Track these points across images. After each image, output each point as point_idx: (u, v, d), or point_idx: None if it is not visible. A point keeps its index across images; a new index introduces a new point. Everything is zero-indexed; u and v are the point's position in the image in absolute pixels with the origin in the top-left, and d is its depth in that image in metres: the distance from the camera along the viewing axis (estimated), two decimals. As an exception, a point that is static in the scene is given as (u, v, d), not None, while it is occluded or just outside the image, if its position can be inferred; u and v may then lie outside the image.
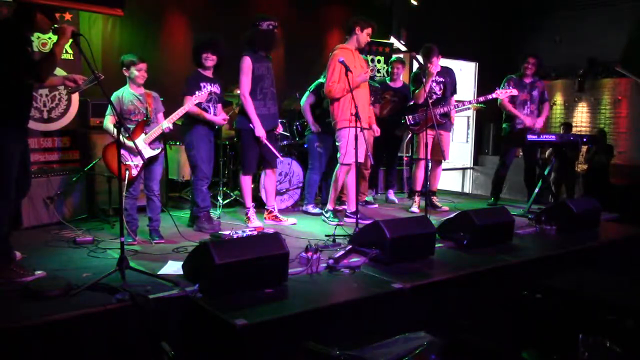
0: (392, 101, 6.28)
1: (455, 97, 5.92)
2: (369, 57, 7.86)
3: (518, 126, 6.08)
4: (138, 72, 4.22)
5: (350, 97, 4.67)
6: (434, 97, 5.73)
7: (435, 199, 6.05)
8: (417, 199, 5.89)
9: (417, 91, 5.69)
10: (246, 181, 4.96)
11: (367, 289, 3.32)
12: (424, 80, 5.50)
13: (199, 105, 4.58)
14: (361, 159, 4.97)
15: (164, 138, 4.50)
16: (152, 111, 4.31)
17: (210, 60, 4.68)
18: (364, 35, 4.98)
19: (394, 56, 6.37)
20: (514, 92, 5.84)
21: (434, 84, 5.72)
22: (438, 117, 5.62)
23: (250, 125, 4.78)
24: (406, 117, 5.92)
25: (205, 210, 4.76)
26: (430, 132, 5.44)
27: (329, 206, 5.18)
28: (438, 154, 5.73)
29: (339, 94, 4.88)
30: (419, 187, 5.90)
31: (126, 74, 4.25)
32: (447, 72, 5.84)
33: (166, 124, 4.27)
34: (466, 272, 3.73)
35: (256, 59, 4.80)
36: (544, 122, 6.22)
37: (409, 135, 6.38)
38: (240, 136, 4.98)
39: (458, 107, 5.93)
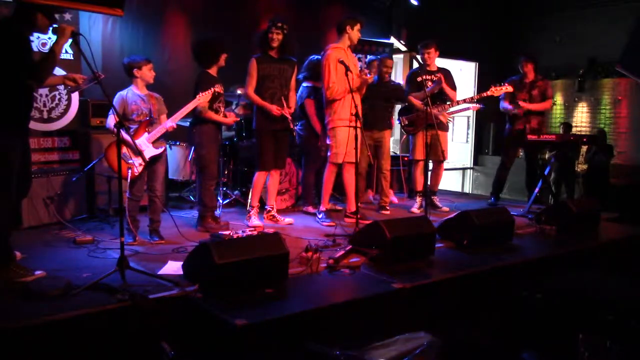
0: None
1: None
2: (369, 57, 7.87)
3: (517, 127, 6.08)
4: (149, 72, 4.27)
5: (349, 97, 4.76)
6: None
7: (436, 199, 6.05)
8: (418, 199, 5.89)
9: (414, 93, 5.72)
10: (260, 178, 4.97)
11: (367, 289, 3.32)
12: (420, 80, 5.49)
13: (210, 107, 4.60)
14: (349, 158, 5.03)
15: (165, 138, 4.50)
16: (155, 112, 4.32)
17: (225, 60, 4.74)
18: (355, 32, 5.00)
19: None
20: (509, 88, 5.81)
21: (430, 82, 5.74)
22: (434, 117, 5.62)
23: (262, 112, 4.82)
24: (400, 118, 5.93)
25: (212, 209, 4.79)
26: (428, 132, 5.39)
27: (322, 207, 5.18)
28: (437, 154, 5.74)
29: (340, 95, 4.90)
30: (419, 188, 5.90)
31: (137, 74, 4.24)
32: (444, 72, 5.85)
33: (170, 123, 4.28)
34: (466, 272, 3.73)
35: (263, 60, 4.84)
36: (542, 122, 6.17)
37: (404, 136, 6.40)
38: (255, 135, 5.01)
39: (455, 105, 5.90)
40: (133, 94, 4.27)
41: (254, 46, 4.97)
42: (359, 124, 4.56)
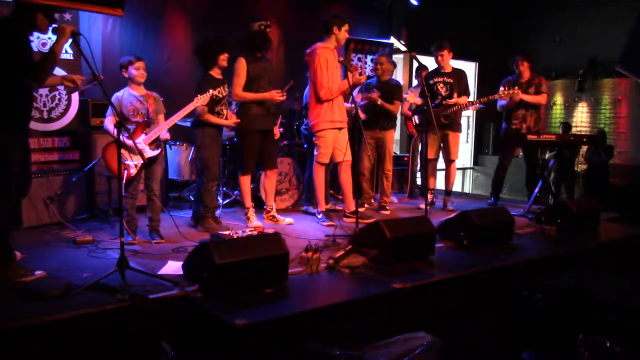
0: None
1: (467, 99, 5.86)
2: (369, 57, 7.87)
3: (514, 126, 6.06)
4: (136, 71, 4.22)
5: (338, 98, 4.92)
6: (439, 97, 5.73)
7: (447, 199, 6.03)
8: (429, 196, 5.86)
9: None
10: (245, 181, 4.97)
11: (367, 289, 3.32)
12: (418, 80, 5.52)
13: (212, 110, 4.60)
14: (342, 158, 5.06)
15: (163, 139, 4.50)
16: (152, 112, 4.31)
17: (226, 60, 4.71)
18: (342, 33, 4.99)
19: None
20: (518, 92, 5.73)
21: (441, 84, 5.72)
22: (442, 118, 5.61)
23: (249, 113, 4.80)
24: (412, 117, 5.93)
25: (213, 210, 4.79)
26: (435, 133, 5.34)
27: (320, 208, 5.17)
28: (446, 154, 5.76)
29: (335, 95, 4.91)
30: (431, 185, 5.91)
31: (125, 75, 4.25)
32: (457, 74, 5.83)
33: (165, 135, 4.32)
34: (466, 272, 3.73)
35: (251, 59, 4.82)
36: (539, 120, 6.14)
37: (415, 135, 6.42)
38: (239, 136, 4.99)
39: (466, 108, 5.87)
40: (129, 95, 4.27)
41: (253, 46, 4.93)
42: (345, 125, 4.57)
